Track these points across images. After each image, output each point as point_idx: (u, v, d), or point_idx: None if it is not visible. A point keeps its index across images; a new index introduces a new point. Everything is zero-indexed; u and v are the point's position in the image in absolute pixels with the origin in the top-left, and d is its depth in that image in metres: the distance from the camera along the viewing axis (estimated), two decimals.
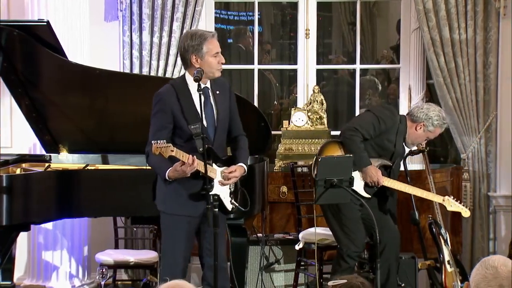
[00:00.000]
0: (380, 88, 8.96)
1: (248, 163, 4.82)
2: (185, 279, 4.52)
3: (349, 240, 5.30)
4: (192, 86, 4.53)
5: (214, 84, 4.65)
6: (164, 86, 4.62)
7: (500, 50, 6.78)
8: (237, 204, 4.69)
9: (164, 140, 4.33)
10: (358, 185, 5.27)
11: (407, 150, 5.52)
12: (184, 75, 4.64)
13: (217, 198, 4.43)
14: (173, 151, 4.33)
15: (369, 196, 5.32)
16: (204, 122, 4.51)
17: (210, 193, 4.44)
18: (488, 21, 6.73)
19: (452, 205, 5.45)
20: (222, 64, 4.56)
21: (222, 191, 4.61)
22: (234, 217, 4.98)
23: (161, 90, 4.59)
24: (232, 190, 4.68)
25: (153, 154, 4.33)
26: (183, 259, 4.63)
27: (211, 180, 4.48)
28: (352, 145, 5.26)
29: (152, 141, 4.32)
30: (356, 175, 5.22)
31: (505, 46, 6.77)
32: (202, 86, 4.43)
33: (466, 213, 5.51)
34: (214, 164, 4.57)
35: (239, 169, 4.62)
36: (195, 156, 4.37)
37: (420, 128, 5.35)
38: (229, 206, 4.65)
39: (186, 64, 4.56)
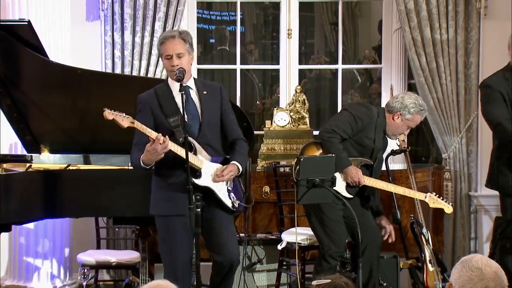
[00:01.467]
0: (359, 80, 8.98)
1: (245, 164, 4.81)
2: (188, 275, 4.55)
3: (330, 241, 5.31)
4: (173, 86, 4.59)
5: (202, 85, 4.71)
6: (147, 91, 4.70)
7: (481, 50, 6.82)
8: (238, 202, 4.70)
9: (124, 113, 4.37)
10: (340, 186, 5.28)
11: (389, 146, 5.51)
12: (167, 76, 4.72)
13: (199, 198, 4.41)
14: (133, 122, 4.37)
15: (351, 196, 5.33)
16: (186, 117, 4.51)
17: (199, 183, 4.47)
18: (469, 21, 6.78)
19: (434, 201, 5.42)
20: (173, 67, 4.54)
21: (217, 186, 4.61)
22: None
23: (143, 93, 4.68)
24: (230, 188, 4.69)
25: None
26: (182, 258, 4.59)
27: (196, 170, 4.48)
28: (331, 147, 5.25)
29: (104, 108, 4.35)
30: (338, 175, 5.24)
31: (485, 46, 6.81)
32: (183, 85, 4.48)
33: (448, 209, 5.46)
34: (199, 155, 4.56)
35: (231, 166, 4.63)
36: (167, 136, 4.38)
37: (398, 117, 5.34)
38: (228, 203, 4.66)
39: None
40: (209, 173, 4.59)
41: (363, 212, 5.40)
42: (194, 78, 4.75)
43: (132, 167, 4.67)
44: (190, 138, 4.48)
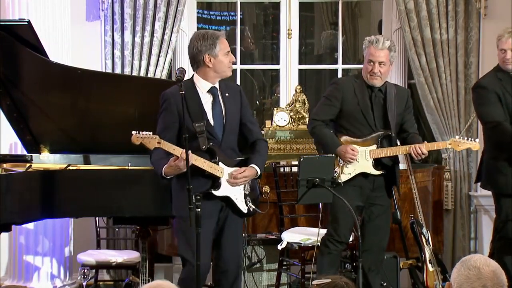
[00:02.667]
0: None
1: (263, 167, 4.78)
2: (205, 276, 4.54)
3: (333, 228, 5.29)
4: (201, 86, 4.59)
5: (224, 87, 4.69)
6: (172, 86, 4.64)
7: (481, 50, 6.82)
8: (254, 207, 4.69)
9: (150, 133, 4.34)
10: (366, 165, 5.23)
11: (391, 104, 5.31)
12: (192, 76, 4.66)
13: (200, 198, 4.39)
14: (159, 143, 4.34)
15: (380, 172, 5.26)
16: (212, 121, 4.54)
17: (218, 194, 4.48)
18: (469, 22, 6.78)
19: (460, 144, 5.26)
20: (233, 63, 4.63)
21: (236, 193, 4.61)
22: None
23: (168, 89, 4.61)
24: (247, 192, 4.67)
25: (153, 152, 4.40)
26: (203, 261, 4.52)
27: (218, 179, 4.48)
28: (317, 137, 5.32)
29: (133, 132, 4.32)
30: (361, 156, 5.20)
31: (485, 46, 6.81)
32: (211, 86, 4.55)
33: (476, 146, 5.28)
34: (221, 163, 4.55)
35: (249, 170, 4.61)
36: (189, 151, 4.34)
37: (364, 59, 5.31)
38: (244, 208, 4.65)
39: (198, 64, 4.59)
40: (225, 178, 4.58)
41: (382, 215, 5.35)
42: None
43: (133, 167, 4.67)
44: (213, 145, 4.49)
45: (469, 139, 5.29)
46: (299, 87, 6.78)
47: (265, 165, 6.36)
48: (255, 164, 4.66)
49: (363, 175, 5.23)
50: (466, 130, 6.82)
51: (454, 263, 3.34)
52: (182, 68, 4.47)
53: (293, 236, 5.76)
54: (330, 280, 2.70)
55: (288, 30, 7.04)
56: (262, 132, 6.65)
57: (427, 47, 6.73)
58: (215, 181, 4.53)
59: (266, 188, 6.22)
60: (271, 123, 6.60)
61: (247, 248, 5.93)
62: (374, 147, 5.23)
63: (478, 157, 6.86)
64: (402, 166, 6.40)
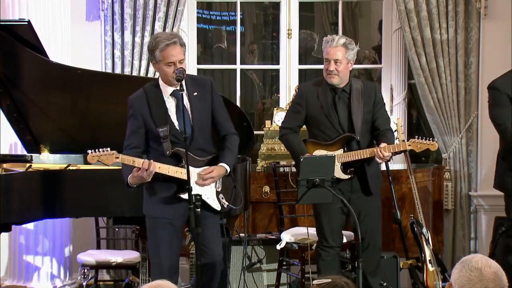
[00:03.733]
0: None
1: (233, 162, 4.76)
2: (175, 278, 4.57)
3: (320, 235, 5.29)
4: (164, 90, 4.56)
5: (192, 84, 4.63)
6: (137, 91, 4.62)
7: (481, 50, 6.82)
8: (227, 203, 4.68)
9: (108, 148, 4.36)
10: (336, 171, 5.09)
11: (356, 111, 5.23)
12: (158, 79, 4.64)
13: (199, 198, 4.40)
14: (118, 157, 4.36)
15: (349, 176, 5.20)
16: (176, 124, 4.52)
17: (186, 196, 4.42)
18: (469, 22, 6.78)
19: (418, 145, 5.11)
20: (181, 70, 4.43)
21: (206, 192, 4.60)
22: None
23: (133, 94, 4.62)
24: (219, 189, 4.67)
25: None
26: (169, 260, 4.61)
27: (187, 182, 4.44)
28: (284, 144, 5.37)
29: (88, 151, 4.36)
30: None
31: (485, 46, 6.81)
32: (173, 89, 4.50)
33: (433, 146, 5.15)
34: (190, 166, 4.53)
35: (217, 169, 4.60)
36: (151, 161, 4.36)
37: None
38: (216, 206, 4.65)
39: None
40: (194, 179, 4.57)
41: (370, 216, 5.31)
42: (185, 77, 4.56)
43: None
44: (178, 150, 4.47)
45: (428, 139, 5.14)
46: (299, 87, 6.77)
47: (265, 165, 6.39)
48: (223, 162, 4.63)
49: (336, 179, 5.10)
50: (466, 130, 6.82)
51: (454, 263, 3.34)
52: (181, 68, 4.44)
53: (292, 236, 5.76)
54: (330, 280, 2.70)
55: (288, 30, 7.04)
56: (262, 132, 6.66)
57: (427, 47, 6.73)
58: (182, 185, 4.50)
59: (266, 188, 6.23)
60: (271, 123, 6.60)
61: (247, 248, 5.93)
62: (340, 151, 5.20)
63: (479, 157, 6.89)
64: (402, 166, 6.42)
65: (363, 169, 5.22)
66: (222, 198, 4.67)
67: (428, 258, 5.54)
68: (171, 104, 4.55)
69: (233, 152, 4.74)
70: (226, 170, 4.64)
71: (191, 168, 4.49)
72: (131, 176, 4.42)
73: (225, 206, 4.68)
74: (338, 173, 5.14)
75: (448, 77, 6.76)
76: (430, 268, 5.53)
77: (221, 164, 4.63)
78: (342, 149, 5.20)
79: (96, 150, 4.37)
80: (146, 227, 4.72)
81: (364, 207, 5.23)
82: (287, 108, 5.40)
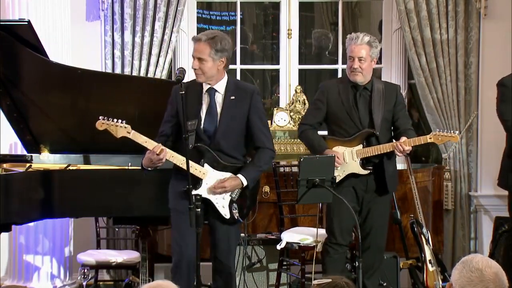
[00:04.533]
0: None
1: (254, 177, 4.71)
2: (193, 274, 4.57)
3: (330, 232, 5.31)
4: (204, 86, 4.63)
5: (233, 89, 4.66)
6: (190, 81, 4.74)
7: (481, 50, 6.82)
8: (237, 216, 4.66)
9: (124, 122, 4.43)
10: (354, 165, 5.21)
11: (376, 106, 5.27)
12: None
13: (200, 198, 4.40)
14: (129, 133, 4.38)
15: (368, 171, 5.21)
16: (203, 122, 4.58)
17: (195, 192, 4.45)
18: (469, 21, 6.78)
19: (440, 137, 5.19)
20: (193, 68, 4.61)
21: (216, 197, 4.61)
22: None
23: (177, 85, 4.63)
24: (235, 199, 4.66)
25: None
26: (191, 250, 4.56)
27: (198, 179, 4.47)
28: (304, 141, 5.39)
29: (100, 117, 4.42)
30: (347, 155, 5.19)
31: (485, 46, 6.81)
32: (208, 86, 4.59)
33: (455, 138, 5.22)
34: (206, 165, 4.56)
35: (231, 179, 4.60)
36: (164, 147, 4.43)
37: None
38: (224, 213, 4.65)
39: None
40: (210, 183, 4.59)
41: (379, 216, 5.33)
42: (228, 80, 4.69)
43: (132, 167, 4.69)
44: (201, 145, 4.51)
45: (450, 131, 5.22)
46: (299, 87, 6.78)
47: None
48: (243, 175, 4.63)
49: (354, 175, 5.22)
50: (466, 130, 6.82)
51: (454, 263, 3.34)
52: (182, 68, 4.49)
53: (292, 236, 5.76)
54: (330, 280, 2.70)
55: (288, 30, 7.04)
56: None
57: (427, 47, 6.73)
58: (197, 181, 4.53)
59: (266, 188, 6.22)
60: (271, 123, 6.59)
61: (247, 248, 5.93)
62: (360, 146, 5.21)
63: (479, 157, 6.88)
64: (402, 166, 6.42)
65: (381, 166, 5.24)
66: (235, 209, 4.66)
67: (428, 258, 5.54)
68: (205, 101, 4.62)
69: (257, 166, 4.71)
70: (242, 183, 4.62)
71: (207, 167, 4.53)
72: (145, 157, 4.49)
73: (235, 217, 4.67)
74: (357, 168, 5.19)
75: (448, 77, 6.77)
76: (430, 268, 5.53)
77: (238, 175, 4.63)
78: (362, 145, 5.22)
79: (109, 118, 4.36)
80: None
81: (374, 205, 5.26)
82: (309, 106, 5.47)
